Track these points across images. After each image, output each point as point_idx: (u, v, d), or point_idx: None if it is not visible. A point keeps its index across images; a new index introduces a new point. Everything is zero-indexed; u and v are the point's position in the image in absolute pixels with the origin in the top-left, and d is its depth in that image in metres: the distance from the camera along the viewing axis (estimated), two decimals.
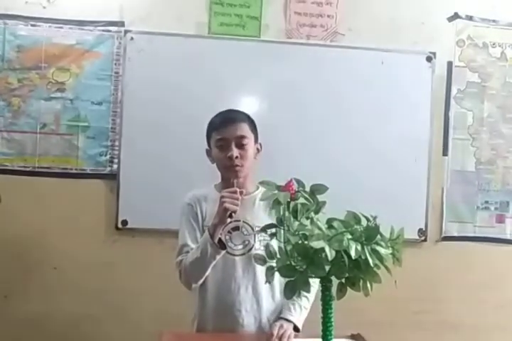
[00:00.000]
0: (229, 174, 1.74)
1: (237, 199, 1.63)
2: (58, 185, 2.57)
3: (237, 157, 1.71)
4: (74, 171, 2.59)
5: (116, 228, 2.58)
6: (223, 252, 1.67)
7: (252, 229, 1.75)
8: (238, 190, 1.65)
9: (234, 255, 1.74)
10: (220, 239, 1.67)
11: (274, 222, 1.73)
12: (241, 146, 1.74)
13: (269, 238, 1.68)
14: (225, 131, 1.74)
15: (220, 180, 1.83)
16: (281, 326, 1.65)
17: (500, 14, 2.84)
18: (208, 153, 1.82)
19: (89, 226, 2.58)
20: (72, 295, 2.54)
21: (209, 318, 1.76)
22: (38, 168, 2.57)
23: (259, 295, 1.75)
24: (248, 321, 1.74)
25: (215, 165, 1.80)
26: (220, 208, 1.64)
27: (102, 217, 2.60)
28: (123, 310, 2.54)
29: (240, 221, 1.72)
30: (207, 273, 1.71)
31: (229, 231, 1.73)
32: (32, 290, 2.55)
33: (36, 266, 2.55)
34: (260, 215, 1.76)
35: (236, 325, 1.73)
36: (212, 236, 1.64)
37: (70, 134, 2.58)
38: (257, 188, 1.82)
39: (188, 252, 1.73)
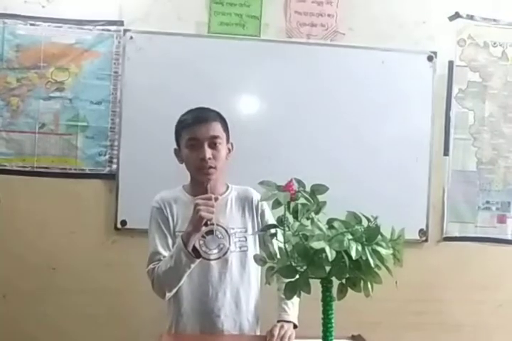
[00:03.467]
0: (200, 176, 1.69)
1: (213, 206, 1.57)
2: (57, 185, 2.56)
3: (210, 158, 1.66)
4: (73, 171, 2.58)
5: (116, 228, 2.57)
6: (198, 261, 1.61)
7: (226, 231, 1.71)
8: (213, 196, 1.60)
9: (209, 259, 1.70)
10: (194, 247, 1.61)
11: (247, 222, 1.75)
12: (214, 146, 1.68)
13: (244, 239, 1.71)
14: (197, 130, 1.68)
15: (188, 181, 1.78)
16: (282, 326, 1.64)
17: (502, 13, 2.83)
18: (176, 152, 1.77)
19: (88, 226, 2.58)
20: (70, 295, 2.53)
21: (187, 325, 1.72)
22: (36, 167, 2.56)
23: (237, 297, 1.73)
24: (228, 325, 1.71)
25: (183, 165, 1.74)
26: (194, 216, 1.57)
27: (101, 217, 2.59)
28: (122, 311, 2.54)
29: (213, 224, 1.63)
30: (181, 282, 1.66)
31: (203, 236, 1.67)
32: (31, 291, 2.55)
33: (35, 266, 2.54)
34: (234, 216, 1.75)
35: (216, 330, 1.70)
36: (185, 244, 1.58)
37: (69, 134, 2.58)
38: (227, 188, 1.80)
39: (159, 260, 1.67)
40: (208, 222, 1.58)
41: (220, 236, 1.71)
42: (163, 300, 1.71)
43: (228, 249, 1.71)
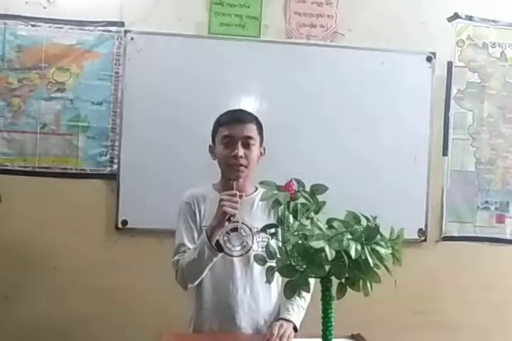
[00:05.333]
0: (230, 173, 1.74)
1: (237, 202, 1.62)
2: (58, 185, 2.57)
3: (241, 156, 1.72)
4: (74, 171, 2.59)
5: (116, 228, 2.58)
6: (220, 255, 1.67)
7: (251, 230, 1.75)
8: (238, 193, 1.65)
9: (232, 256, 1.74)
10: (217, 241, 1.66)
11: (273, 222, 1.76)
12: (247, 146, 1.74)
13: (267, 239, 1.71)
14: (234, 129, 1.74)
15: (218, 180, 1.83)
16: (282, 325, 1.65)
17: (500, 14, 2.84)
18: (211, 149, 1.82)
19: (89, 226, 2.58)
20: (72, 295, 2.54)
21: (206, 319, 1.76)
22: (38, 168, 2.57)
23: (257, 296, 1.76)
24: (245, 322, 1.74)
25: (215, 161, 1.79)
26: (218, 211, 1.63)
27: (102, 217, 2.60)
28: (123, 310, 2.54)
29: (238, 222, 1.71)
30: (203, 275, 1.70)
31: (227, 232, 1.73)
32: (32, 291, 2.55)
33: (36, 266, 2.55)
34: (259, 216, 1.77)
35: (233, 327, 1.73)
36: (209, 238, 1.64)
37: (70, 134, 2.58)
38: (256, 189, 1.84)
39: (184, 252, 1.73)
40: (232, 218, 1.63)
41: (244, 234, 1.75)
42: (186, 291, 1.76)
43: (251, 247, 1.75)
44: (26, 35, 2.55)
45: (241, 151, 1.72)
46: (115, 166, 2.59)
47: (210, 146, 1.83)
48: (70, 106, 2.58)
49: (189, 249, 1.72)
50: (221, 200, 1.63)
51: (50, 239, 2.55)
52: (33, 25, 2.55)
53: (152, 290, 2.49)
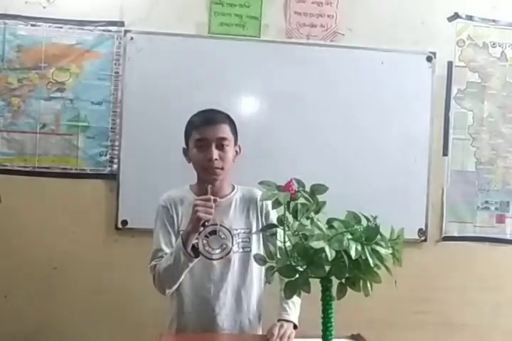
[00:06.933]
0: (207, 176, 1.71)
1: (211, 207, 1.59)
2: (58, 185, 2.57)
3: (216, 159, 1.68)
4: (74, 171, 2.59)
5: (116, 228, 2.58)
6: (196, 260, 1.64)
7: (230, 232, 1.73)
8: (212, 197, 1.61)
9: (212, 259, 1.72)
10: (194, 246, 1.64)
11: (252, 223, 1.76)
12: (221, 148, 1.70)
13: (247, 240, 1.73)
14: (206, 131, 1.70)
15: (196, 180, 1.80)
16: (282, 326, 1.65)
17: (501, 14, 2.84)
18: (185, 152, 1.78)
19: (89, 226, 2.58)
20: (72, 295, 2.54)
21: (188, 323, 1.74)
22: (37, 168, 2.57)
23: (239, 297, 1.75)
24: (228, 324, 1.73)
25: (191, 164, 1.75)
26: (193, 217, 1.60)
27: (102, 217, 2.60)
28: (123, 310, 2.54)
29: (216, 225, 1.68)
30: (181, 280, 1.68)
31: (206, 236, 1.70)
32: (32, 290, 2.55)
33: (36, 266, 2.55)
34: (237, 217, 1.76)
35: (216, 329, 1.72)
36: (185, 243, 1.61)
37: (69, 134, 2.58)
38: (233, 189, 1.81)
39: (161, 257, 1.70)
40: (206, 223, 1.60)
41: (223, 236, 1.73)
42: (164, 296, 1.74)
43: (231, 249, 1.73)
44: (26, 35, 2.55)
45: (215, 154, 1.68)
46: (115, 166, 2.59)
47: (183, 149, 1.78)
48: (69, 106, 2.58)
49: (166, 254, 1.69)
50: (195, 205, 1.59)
51: (50, 239, 2.55)
52: (32, 25, 2.55)
53: (152, 290, 2.46)
